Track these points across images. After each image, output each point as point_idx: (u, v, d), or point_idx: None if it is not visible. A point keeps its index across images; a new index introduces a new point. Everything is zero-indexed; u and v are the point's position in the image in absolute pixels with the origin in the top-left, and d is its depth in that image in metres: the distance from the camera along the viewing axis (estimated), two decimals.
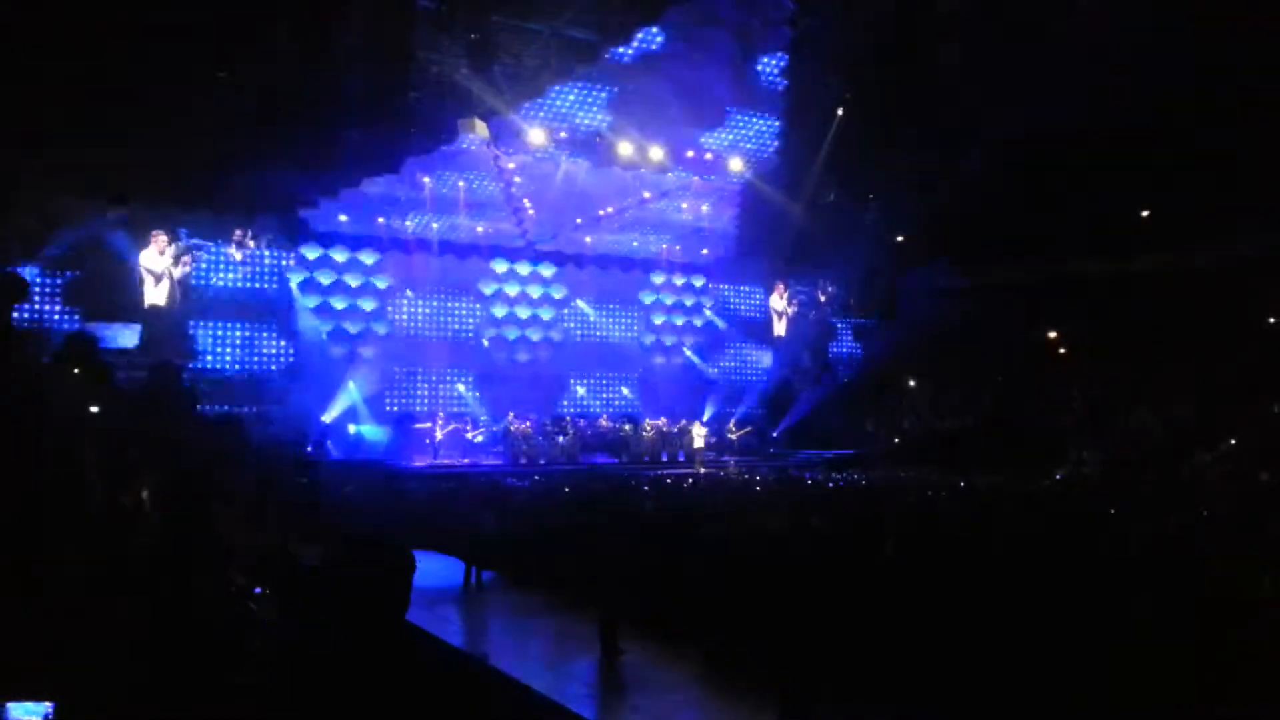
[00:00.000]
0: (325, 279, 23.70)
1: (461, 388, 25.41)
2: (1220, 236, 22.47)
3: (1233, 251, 22.21)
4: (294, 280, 23.06)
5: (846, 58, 24.41)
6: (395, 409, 23.93)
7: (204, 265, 21.87)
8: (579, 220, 25.71)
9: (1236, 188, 21.40)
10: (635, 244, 27.95)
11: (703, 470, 21.59)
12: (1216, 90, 20.73)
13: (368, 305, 24.25)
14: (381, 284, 24.54)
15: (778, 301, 29.85)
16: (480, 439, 23.68)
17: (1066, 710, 5.83)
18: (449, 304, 25.86)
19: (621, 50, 21.92)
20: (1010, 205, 23.56)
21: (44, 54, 17.21)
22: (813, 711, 6.75)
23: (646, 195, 25.36)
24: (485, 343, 25.95)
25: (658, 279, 28.66)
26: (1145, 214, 24.61)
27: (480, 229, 25.30)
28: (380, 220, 24.02)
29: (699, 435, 24.73)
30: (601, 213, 25.48)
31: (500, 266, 26.29)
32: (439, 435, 22.93)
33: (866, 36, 23.70)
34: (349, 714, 2.26)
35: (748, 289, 30.18)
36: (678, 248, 28.38)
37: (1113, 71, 20.67)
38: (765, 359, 29.94)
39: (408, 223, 24.52)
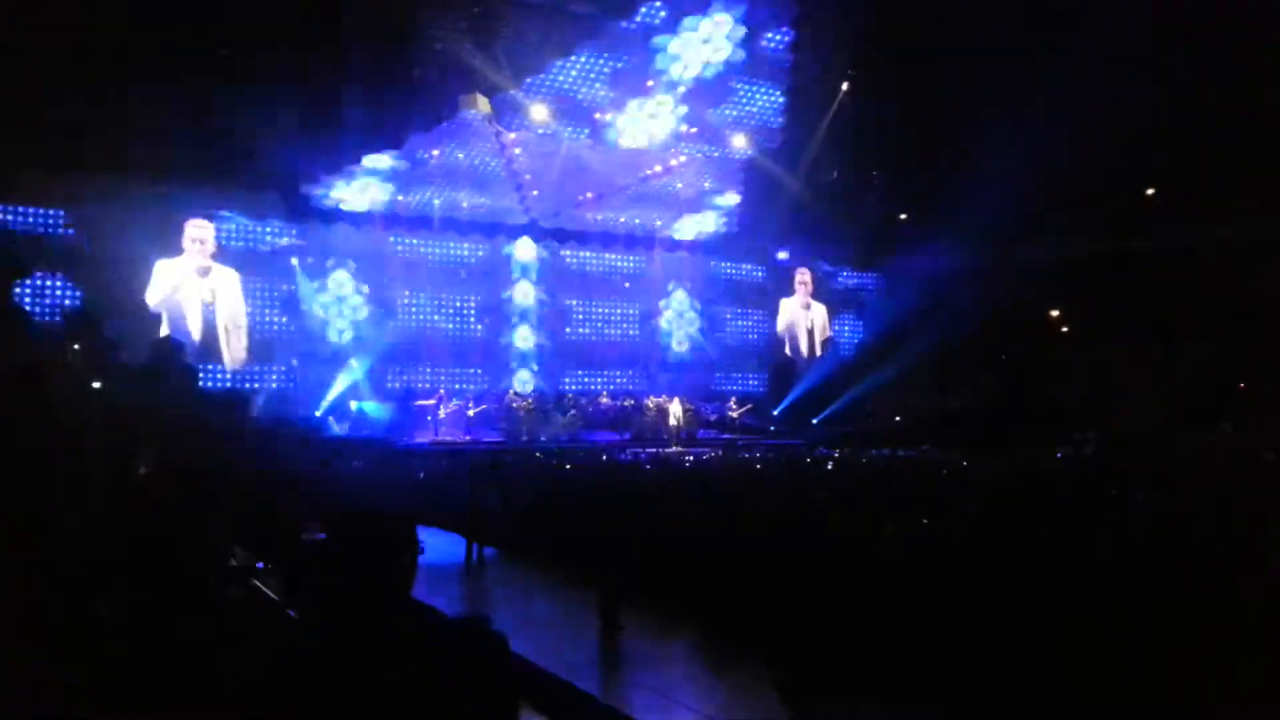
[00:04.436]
0: (328, 255, 23.66)
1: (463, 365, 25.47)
2: (1225, 215, 22.34)
3: (1238, 230, 22.09)
4: (295, 258, 23.05)
5: (852, 33, 24.25)
6: (397, 385, 23.95)
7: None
8: (583, 196, 25.62)
9: (1243, 166, 21.28)
10: (638, 220, 27.86)
11: (681, 449, 21.46)
12: (1222, 69, 20.56)
13: (370, 282, 24.20)
14: (383, 261, 24.50)
15: (781, 279, 29.74)
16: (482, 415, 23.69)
17: (1065, 699, 5.83)
18: (452, 280, 25.82)
19: (624, 25, 21.77)
20: (1015, 185, 23.42)
21: (41, 30, 17.11)
22: (810, 686, 6.78)
23: (649, 171, 25.29)
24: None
25: (660, 256, 28.57)
26: (1150, 192, 24.49)
27: (483, 205, 25.22)
28: (382, 196, 23.95)
29: (674, 414, 24.55)
30: (593, 193, 25.40)
31: (503, 243, 26.20)
32: (441, 412, 22.94)
33: (872, 11, 23.54)
34: (353, 690, 2.26)
35: (750, 265, 30.08)
36: (680, 224, 28.27)
37: (1119, 52, 20.51)
38: (768, 336, 29.90)
39: (410, 199, 24.45)
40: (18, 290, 19.56)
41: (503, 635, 2.36)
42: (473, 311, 25.98)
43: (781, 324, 29.25)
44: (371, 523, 2.49)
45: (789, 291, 29.50)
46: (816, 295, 29.52)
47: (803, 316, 29.19)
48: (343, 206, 23.63)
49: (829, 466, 16.56)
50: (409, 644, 2.31)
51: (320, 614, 2.66)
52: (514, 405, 23.69)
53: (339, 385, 22.95)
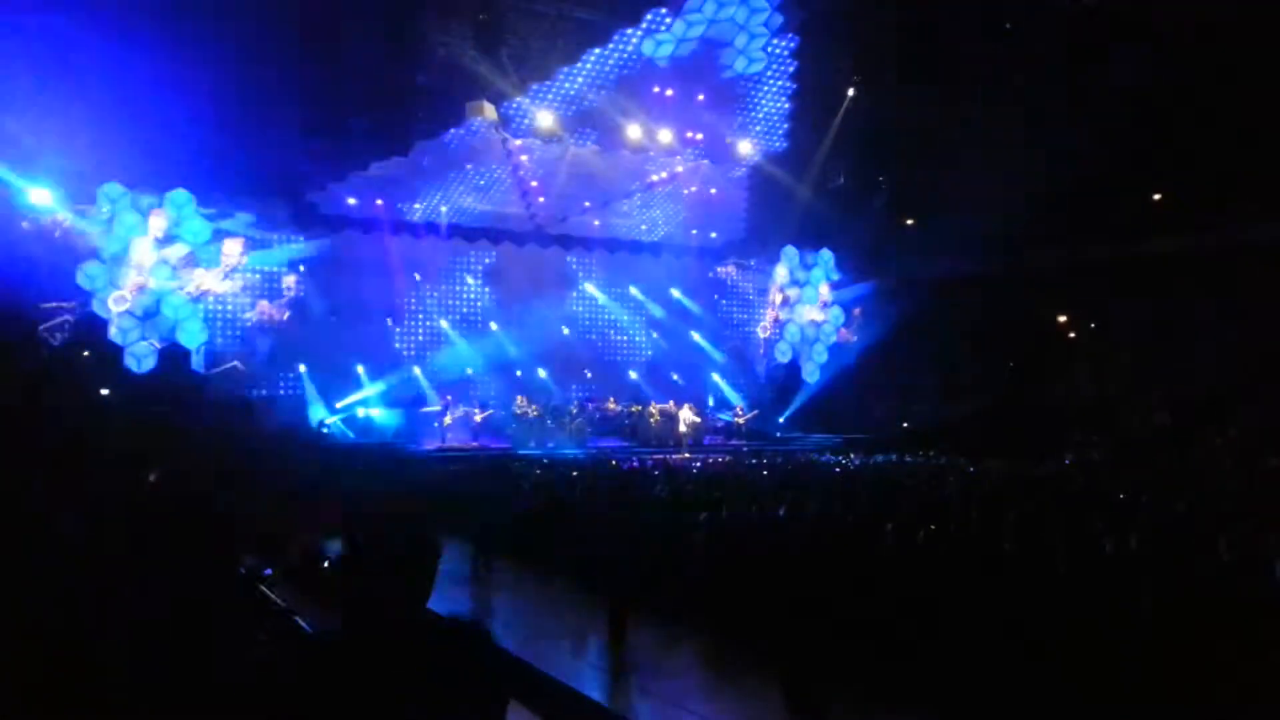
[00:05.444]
0: (333, 262, 23.72)
1: (470, 371, 25.46)
2: (1229, 220, 22.32)
3: (1242, 235, 22.06)
4: (302, 265, 23.11)
5: (858, 39, 24.26)
6: (405, 392, 24.02)
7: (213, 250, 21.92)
8: (587, 203, 25.69)
9: (1246, 170, 21.23)
10: (644, 227, 27.90)
11: (688, 456, 21.47)
12: (1223, 69, 20.54)
13: (377, 289, 24.28)
14: (390, 268, 24.59)
15: (785, 285, 29.68)
16: (489, 422, 23.72)
17: (1066, 699, 5.83)
18: (457, 288, 25.90)
19: (630, 31, 21.80)
20: (1020, 189, 23.43)
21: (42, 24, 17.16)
22: (817, 695, 6.79)
23: (655, 178, 25.33)
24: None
25: (667, 262, 28.59)
26: (1156, 197, 24.44)
27: (489, 211, 25.29)
28: (388, 203, 24.05)
29: (685, 420, 24.56)
30: (599, 199, 25.45)
31: (508, 250, 26.26)
32: (448, 419, 22.99)
33: (878, 17, 23.53)
34: (363, 695, 2.29)
35: (756, 272, 30.08)
36: (693, 231, 28.30)
37: (1126, 55, 20.52)
38: (774, 342, 29.87)
39: (416, 206, 24.55)
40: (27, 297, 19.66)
41: (489, 632, 2.39)
42: (480, 317, 26.05)
43: (769, 328, 29.26)
44: (395, 531, 2.51)
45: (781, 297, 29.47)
46: (807, 298, 29.44)
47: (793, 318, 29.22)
48: (349, 213, 23.73)
49: (836, 471, 16.56)
50: (411, 648, 2.33)
51: (340, 624, 2.68)
52: (519, 412, 23.71)
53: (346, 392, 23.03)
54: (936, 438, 23.09)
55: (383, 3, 19.99)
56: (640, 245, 28.20)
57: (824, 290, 29.56)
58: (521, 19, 20.81)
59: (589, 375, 27.30)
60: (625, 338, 28.31)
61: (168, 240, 20.56)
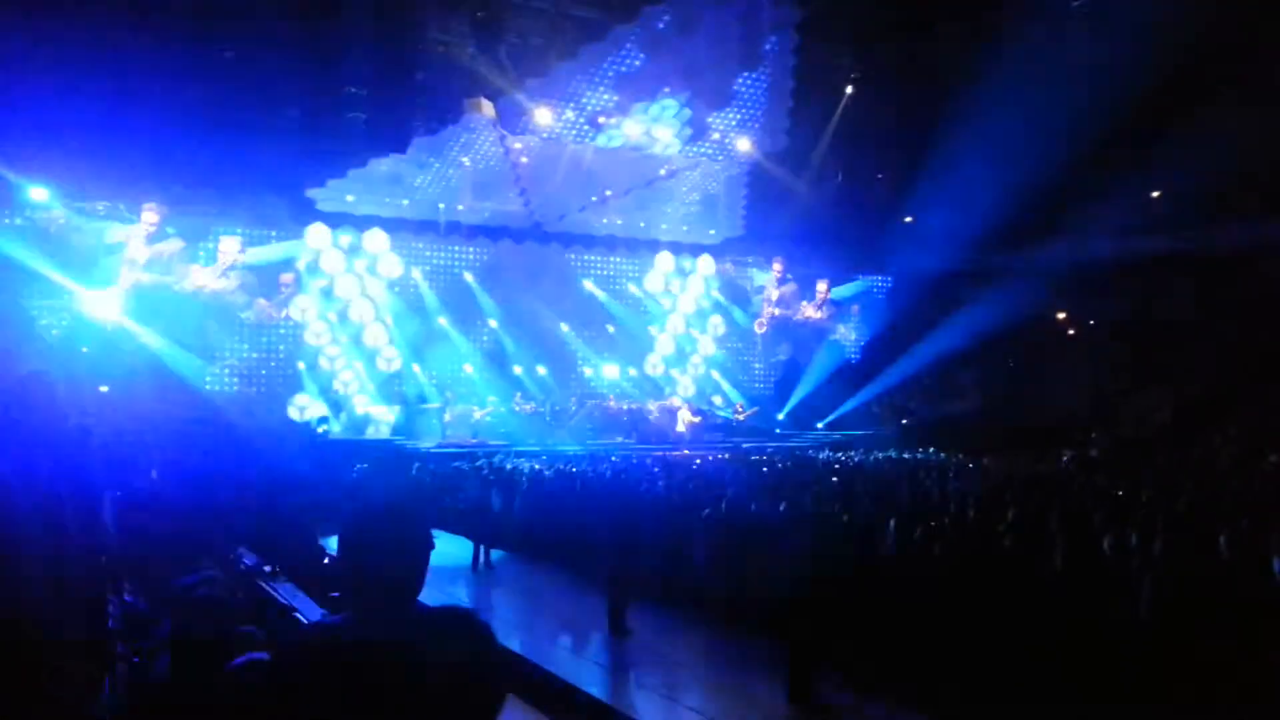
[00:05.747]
0: (333, 259, 23.67)
1: (469, 368, 25.42)
2: (1229, 220, 22.34)
3: (1243, 233, 22.07)
4: (301, 262, 23.07)
5: (856, 34, 24.26)
6: (403, 390, 24.00)
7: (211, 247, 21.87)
8: (588, 200, 25.64)
9: (1246, 170, 21.23)
10: (643, 224, 27.84)
11: (687, 453, 21.47)
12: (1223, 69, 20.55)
13: (375, 286, 24.23)
14: (389, 265, 24.53)
15: (783, 282, 29.66)
16: (488, 419, 23.71)
17: (1068, 702, 5.83)
18: (456, 285, 25.82)
19: (627, 28, 21.78)
20: (1022, 186, 23.44)
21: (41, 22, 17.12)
22: (817, 689, 6.79)
23: (654, 175, 25.31)
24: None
25: (665, 260, 28.54)
26: (1155, 195, 24.44)
27: (487, 209, 25.24)
28: (386, 200, 24.01)
29: (684, 417, 24.54)
30: (609, 193, 25.41)
31: (507, 247, 26.19)
32: (447, 415, 22.95)
33: (877, 12, 23.54)
34: (360, 690, 2.29)
35: (755, 270, 30.04)
36: (685, 228, 28.26)
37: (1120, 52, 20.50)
38: (775, 341, 29.86)
39: (415, 203, 24.49)
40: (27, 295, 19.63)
41: (485, 623, 2.41)
42: (479, 315, 25.98)
43: (766, 324, 29.28)
44: (385, 523, 2.51)
45: (779, 293, 29.48)
46: (805, 295, 29.46)
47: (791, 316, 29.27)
48: (347, 211, 23.68)
49: (835, 468, 16.56)
50: (407, 642, 2.34)
51: (332, 616, 2.69)
52: (518, 409, 23.69)
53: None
54: (935, 435, 23.12)
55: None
56: (639, 242, 28.14)
57: (822, 287, 29.56)
58: (519, 16, 20.80)
59: (588, 372, 27.29)
60: (626, 334, 28.24)
61: (162, 236, 20.54)
